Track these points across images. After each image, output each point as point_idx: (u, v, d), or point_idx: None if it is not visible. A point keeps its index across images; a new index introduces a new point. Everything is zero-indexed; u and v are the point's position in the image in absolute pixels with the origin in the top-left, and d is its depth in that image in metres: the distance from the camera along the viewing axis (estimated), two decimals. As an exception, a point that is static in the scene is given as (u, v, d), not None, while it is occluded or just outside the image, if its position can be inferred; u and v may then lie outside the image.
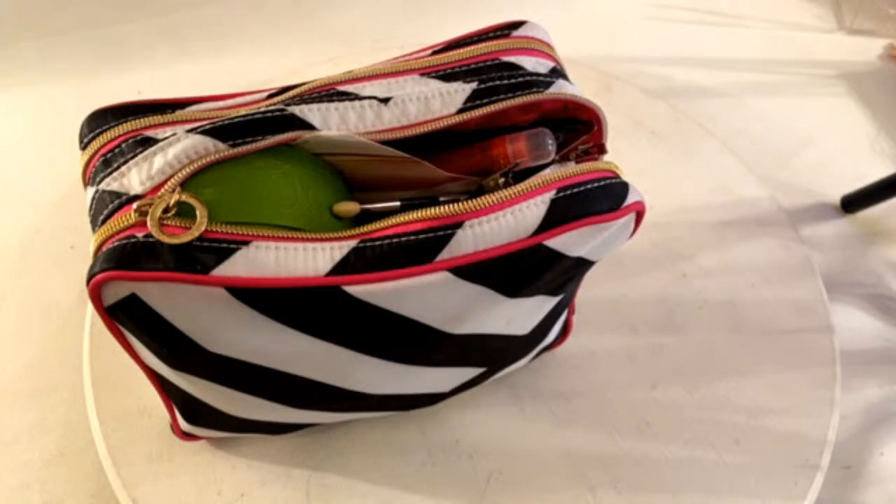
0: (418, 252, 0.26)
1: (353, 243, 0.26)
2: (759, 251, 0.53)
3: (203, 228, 0.24)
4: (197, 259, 0.24)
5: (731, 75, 0.93)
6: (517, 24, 0.33)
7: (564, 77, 0.32)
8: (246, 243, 0.25)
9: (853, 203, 0.76)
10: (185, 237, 0.24)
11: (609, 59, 0.93)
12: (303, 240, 0.26)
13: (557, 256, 0.28)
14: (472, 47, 0.31)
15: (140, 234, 0.24)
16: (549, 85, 0.30)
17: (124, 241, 0.24)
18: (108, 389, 0.42)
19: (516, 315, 0.32)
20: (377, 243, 0.26)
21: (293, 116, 0.27)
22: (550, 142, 0.29)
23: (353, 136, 0.27)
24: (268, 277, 0.25)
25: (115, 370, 0.43)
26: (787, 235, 0.54)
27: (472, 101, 0.29)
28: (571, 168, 0.28)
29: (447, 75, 0.30)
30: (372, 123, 0.28)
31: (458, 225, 0.26)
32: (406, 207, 0.28)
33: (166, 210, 0.24)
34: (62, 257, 0.67)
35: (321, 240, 0.26)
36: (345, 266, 0.26)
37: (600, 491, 0.40)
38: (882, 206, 0.76)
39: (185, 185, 0.26)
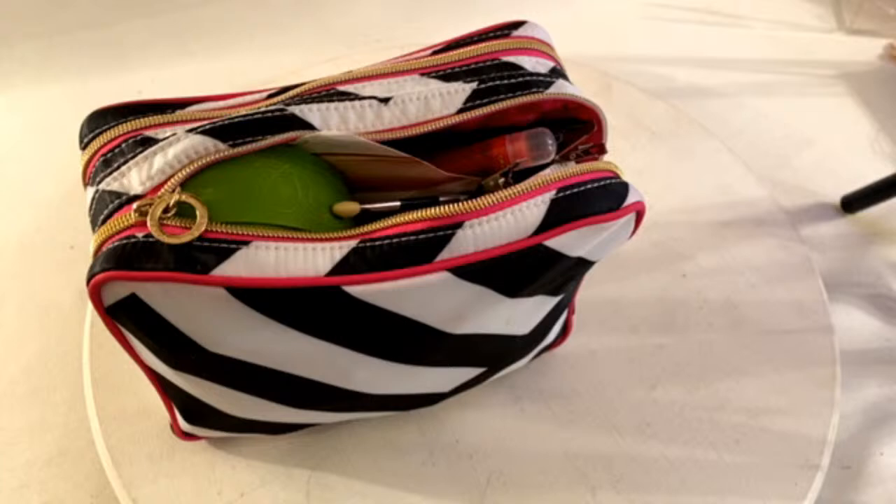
0: (418, 252, 0.26)
1: (353, 243, 0.26)
2: (759, 251, 0.53)
3: (203, 228, 0.24)
4: (197, 259, 0.24)
5: (731, 75, 0.93)
6: (517, 24, 0.33)
7: (564, 77, 0.32)
8: (246, 243, 0.25)
9: (853, 203, 0.76)
10: (185, 237, 0.24)
11: (609, 59, 0.93)
12: (303, 240, 0.26)
13: (557, 256, 0.28)
14: (472, 47, 0.31)
15: (140, 234, 0.24)
16: (549, 85, 0.30)
17: (124, 241, 0.24)
18: (108, 389, 0.42)
19: (516, 315, 0.32)
20: (377, 243, 0.26)
21: (293, 116, 0.27)
22: (550, 142, 0.29)
23: (354, 136, 0.27)
24: (268, 277, 0.25)
25: (115, 370, 0.43)
26: (787, 235, 0.54)
27: (472, 101, 0.29)
28: (571, 168, 0.28)
29: (447, 75, 0.30)
30: (372, 123, 0.28)
31: (458, 225, 0.26)
32: (406, 207, 0.28)
33: (166, 210, 0.24)
34: (62, 257, 0.67)
35: (321, 240, 0.26)
36: (345, 266, 0.26)
37: (600, 491, 0.40)
38: (882, 206, 0.76)
39: (185, 185, 0.26)
